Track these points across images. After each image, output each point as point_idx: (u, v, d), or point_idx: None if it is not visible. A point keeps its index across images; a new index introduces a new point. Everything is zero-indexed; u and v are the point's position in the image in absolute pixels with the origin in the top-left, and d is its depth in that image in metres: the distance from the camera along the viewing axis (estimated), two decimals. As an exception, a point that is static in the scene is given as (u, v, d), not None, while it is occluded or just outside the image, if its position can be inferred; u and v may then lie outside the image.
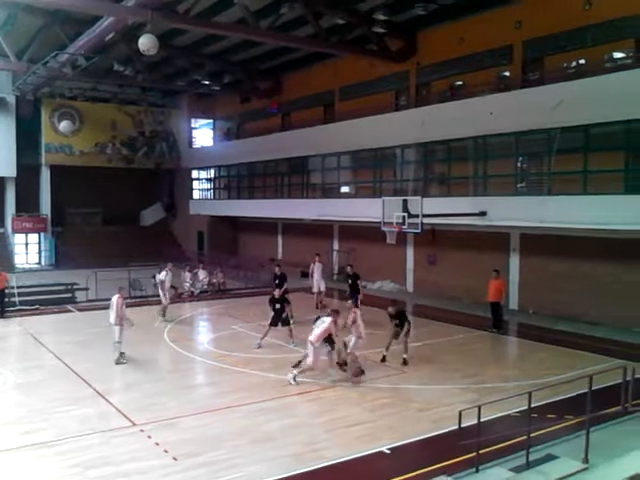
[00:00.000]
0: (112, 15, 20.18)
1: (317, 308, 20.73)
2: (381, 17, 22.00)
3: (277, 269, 20.35)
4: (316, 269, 21.41)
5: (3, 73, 33.10)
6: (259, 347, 15.59)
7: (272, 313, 15.81)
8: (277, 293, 16.05)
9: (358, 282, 19.16)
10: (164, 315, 19.42)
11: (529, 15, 20.18)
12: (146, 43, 19.17)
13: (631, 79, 16.42)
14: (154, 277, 23.95)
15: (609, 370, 10.49)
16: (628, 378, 9.13)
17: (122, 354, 14.48)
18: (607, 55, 18.70)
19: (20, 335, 18.06)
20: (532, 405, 8.72)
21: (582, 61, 19.24)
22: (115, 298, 14.58)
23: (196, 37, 27.16)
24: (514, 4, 20.57)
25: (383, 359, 14.28)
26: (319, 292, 21.30)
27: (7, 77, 33.89)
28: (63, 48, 24.47)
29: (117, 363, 14.28)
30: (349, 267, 19.88)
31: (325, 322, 12.65)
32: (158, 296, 20.06)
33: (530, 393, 8.71)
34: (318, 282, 21.29)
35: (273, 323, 15.78)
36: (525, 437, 8.54)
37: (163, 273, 19.91)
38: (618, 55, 18.66)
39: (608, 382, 10.47)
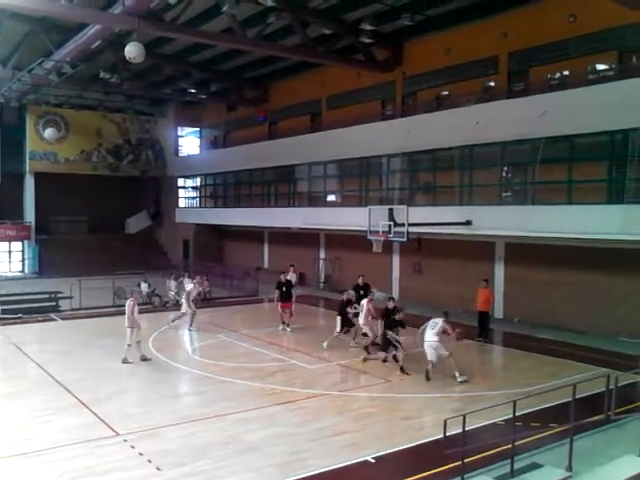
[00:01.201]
0: (99, 23, 20.11)
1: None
2: (368, 27, 22.08)
3: (282, 276, 19.91)
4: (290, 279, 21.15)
5: (-12, 80, 32.88)
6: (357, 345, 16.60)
7: (339, 318, 16.83)
8: (346, 296, 17.04)
9: (369, 291, 17.84)
10: (192, 324, 19.28)
11: (515, 27, 20.38)
12: (132, 51, 19.10)
13: (614, 91, 16.66)
14: (139, 285, 23.96)
15: (593, 379, 10.54)
16: (611, 386, 9.17)
17: (126, 357, 14.98)
18: (590, 67, 18.94)
19: (2, 344, 17.79)
20: (517, 413, 8.75)
21: (566, 72, 19.48)
22: (128, 301, 15.22)
23: (183, 45, 27.11)
24: (500, 16, 20.77)
25: (384, 360, 14.73)
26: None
27: (-8, 84, 33.67)
28: (49, 55, 24.30)
29: (123, 362, 14.88)
30: (361, 277, 18.63)
31: (439, 323, 13.56)
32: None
33: (515, 402, 8.73)
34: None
35: (348, 324, 16.92)
36: (510, 445, 8.56)
37: (190, 285, 20.17)
38: (601, 67, 18.90)
39: (592, 390, 10.51)
